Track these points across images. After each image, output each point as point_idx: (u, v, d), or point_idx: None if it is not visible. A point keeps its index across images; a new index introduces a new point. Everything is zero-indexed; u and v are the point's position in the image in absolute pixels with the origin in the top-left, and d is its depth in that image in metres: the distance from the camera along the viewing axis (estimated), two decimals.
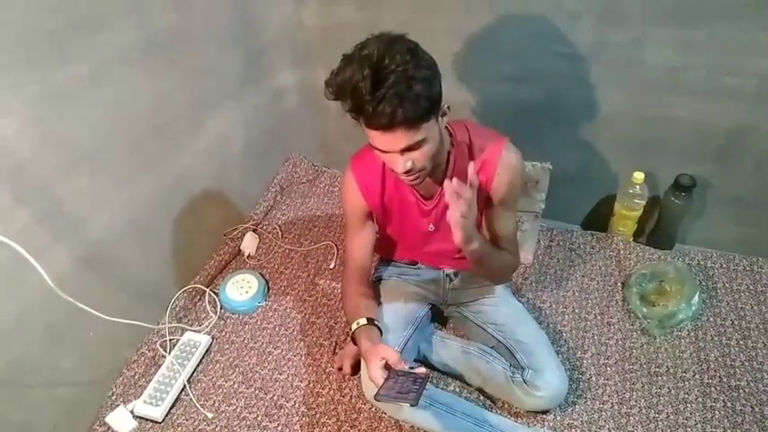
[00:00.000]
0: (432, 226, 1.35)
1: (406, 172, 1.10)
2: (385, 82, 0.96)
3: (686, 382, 1.48)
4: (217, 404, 1.50)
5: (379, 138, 1.05)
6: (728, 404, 1.43)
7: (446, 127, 1.24)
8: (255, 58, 1.93)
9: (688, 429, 1.38)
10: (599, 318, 1.65)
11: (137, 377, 1.56)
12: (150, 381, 1.52)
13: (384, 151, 1.09)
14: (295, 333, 1.67)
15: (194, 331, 1.66)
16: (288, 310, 1.75)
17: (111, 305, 1.40)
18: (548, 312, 1.67)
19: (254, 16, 1.87)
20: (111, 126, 1.41)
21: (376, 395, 1.10)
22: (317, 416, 1.46)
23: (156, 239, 1.65)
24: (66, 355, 1.40)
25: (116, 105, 1.42)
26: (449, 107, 1.12)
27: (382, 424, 1.42)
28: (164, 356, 1.59)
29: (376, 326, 1.30)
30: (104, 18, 1.33)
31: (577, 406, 1.43)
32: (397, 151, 1.07)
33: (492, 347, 1.45)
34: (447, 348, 1.49)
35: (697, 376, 1.49)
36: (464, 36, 1.70)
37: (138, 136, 1.51)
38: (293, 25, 1.93)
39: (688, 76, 1.57)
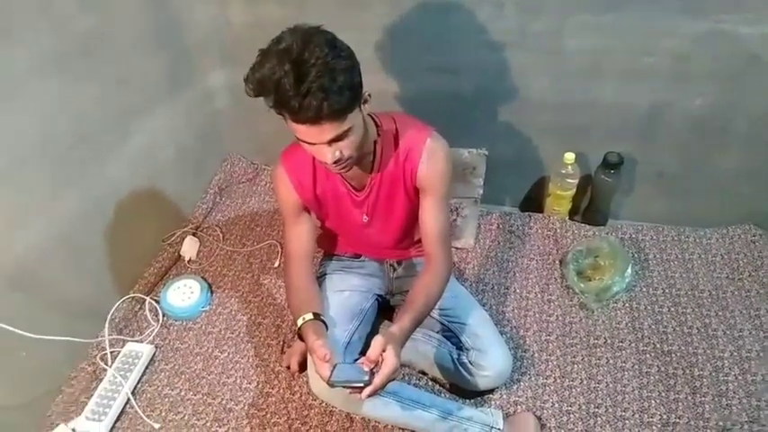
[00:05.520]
0: (365, 217, 1.36)
1: (334, 162, 1.11)
2: (307, 76, 0.96)
3: (623, 351, 1.55)
4: (163, 414, 1.47)
5: (305, 131, 1.05)
6: (662, 368, 1.50)
7: (372, 117, 1.25)
8: (182, 60, 1.89)
9: (626, 396, 1.44)
10: (539, 296, 1.70)
11: (77, 393, 1.51)
12: (92, 396, 1.47)
13: (311, 143, 1.08)
14: (241, 335, 1.65)
15: (136, 341, 1.62)
16: (233, 312, 1.72)
17: (42, 323, 1.36)
18: (490, 294, 1.71)
19: (177, 17, 1.82)
20: (27, 142, 1.36)
21: (328, 380, 1.10)
22: (268, 416, 1.45)
23: (89, 252, 1.59)
24: None
25: (31, 119, 1.36)
26: (370, 94, 1.13)
27: (333, 418, 1.42)
28: (105, 370, 1.54)
29: (322, 320, 1.29)
30: (9, 27, 1.27)
31: (522, 383, 1.48)
32: (324, 142, 1.07)
33: (437, 332, 1.48)
34: None
35: (633, 345, 1.56)
36: (391, 30, 1.71)
37: (60, 149, 1.45)
38: (219, 24, 1.89)
39: (607, 60, 1.63)
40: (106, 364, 1.56)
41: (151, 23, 1.73)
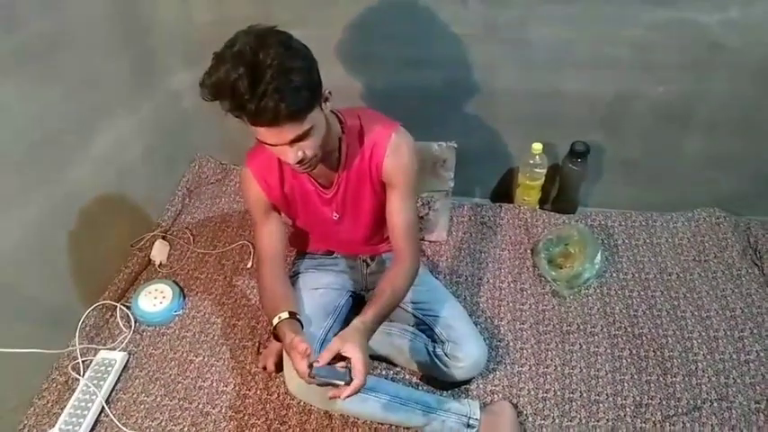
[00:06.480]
0: (335, 214, 1.35)
1: (298, 162, 1.10)
2: (263, 78, 0.95)
3: (595, 337, 1.57)
4: (139, 421, 1.45)
5: (265, 133, 1.04)
6: (634, 351, 1.53)
7: (335, 114, 1.24)
8: (147, 59, 1.86)
9: (599, 380, 1.47)
10: (512, 285, 1.72)
11: (49, 405, 1.48)
12: (65, 407, 1.44)
13: (272, 145, 1.08)
14: (216, 338, 1.64)
15: (108, 349, 1.59)
16: (207, 315, 1.70)
17: (9, 335, 1.33)
18: (464, 286, 1.73)
19: (140, 16, 1.79)
20: None
21: (310, 374, 1.09)
22: (246, 417, 1.44)
23: (54, 260, 1.56)
24: None
25: None
26: (330, 92, 1.12)
27: (312, 417, 1.42)
28: (77, 380, 1.51)
29: (297, 319, 1.29)
30: None
31: (497, 372, 1.49)
32: (286, 143, 1.06)
33: (412, 326, 1.49)
34: None
35: (605, 330, 1.59)
36: (358, 25, 1.71)
37: (20, 154, 1.41)
38: (183, 23, 1.86)
39: (572, 50, 1.65)
40: (78, 373, 1.53)
41: (114, 22, 1.69)
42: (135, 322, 1.67)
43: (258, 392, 1.49)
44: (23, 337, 1.38)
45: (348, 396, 1.08)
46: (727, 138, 1.75)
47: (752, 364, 1.48)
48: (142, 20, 1.80)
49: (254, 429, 1.41)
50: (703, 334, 1.56)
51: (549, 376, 1.48)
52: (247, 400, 1.47)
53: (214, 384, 1.52)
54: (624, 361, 1.51)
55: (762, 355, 1.49)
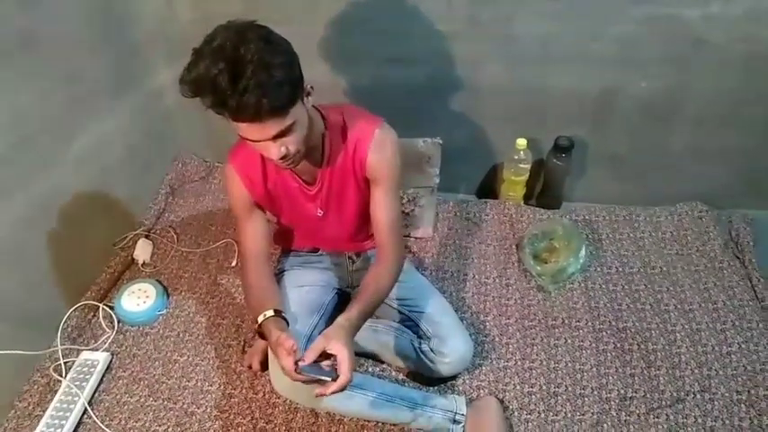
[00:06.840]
0: (320, 211, 1.35)
1: (281, 158, 1.09)
2: (244, 73, 0.94)
3: (580, 331, 1.58)
4: (123, 422, 1.43)
5: (248, 129, 1.03)
6: (618, 345, 1.54)
7: (318, 110, 1.24)
8: (129, 56, 1.83)
9: (584, 373, 1.48)
10: (498, 280, 1.73)
11: (31, 407, 1.46)
12: (47, 409, 1.43)
13: (255, 141, 1.07)
14: (201, 337, 1.62)
15: (91, 350, 1.57)
16: (191, 314, 1.69)
17: None
18: (450, 281, 1.73)
19: (122, 13, 1.77)
20: None
21: (296, 369, 1.09)
22: (231, 417, 1.43)
23: (36, 260, 1.54)
24: None
25: None
26: (312, 87, 1.11)
27: (298, 415, 1.41)
28: (59, 381, 1.49)
29: (283, 317, 1.28)
30: None
31: (484, 367, 1.50)
32: (268, 139, 1.05)
33: (398, 322, 1.49)
34: None
35: (589, 324, 1.60)
36: (343, 22, 1.70)
37: (0, 152, 1.39)
38: (166, 19, 1.84)
39: (557, 46, 1.65)
40: (60, 375, 1.51)
41: (96, 19, 1.67)
42: (118, 322, 1.65)
43: (243, 391, 1.48)
44: (4, 339, 1.37)
45: (334, 393, 1.08)
46: (712, 133, 1.76)
47: (733, 356, 1.49)
48: (125, 16, 1.78)
49: (240, 428, 1.40)
50: (686, 327, 1.57)
51: (534, 371, 1.49)
52: (233, 400, 1.46)
53: (199, 384, 1.51)
54: (609, 355, 1.52)
55: (743, 346, 1.51)
